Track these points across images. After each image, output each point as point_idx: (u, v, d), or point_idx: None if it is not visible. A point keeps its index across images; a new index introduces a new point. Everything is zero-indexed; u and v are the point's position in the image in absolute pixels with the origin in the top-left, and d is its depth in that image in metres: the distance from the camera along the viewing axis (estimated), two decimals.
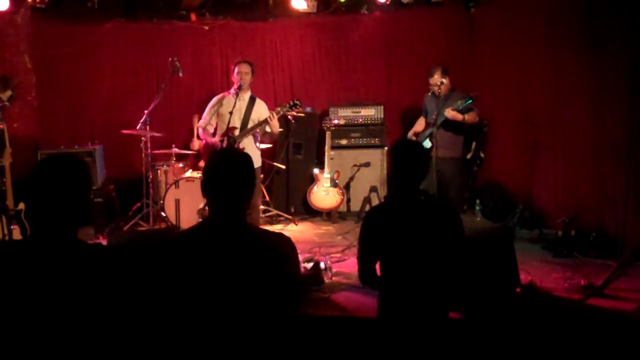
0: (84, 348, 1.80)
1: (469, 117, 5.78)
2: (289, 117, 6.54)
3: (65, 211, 1.87)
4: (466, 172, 6.87)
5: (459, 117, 5.72)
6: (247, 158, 2.17)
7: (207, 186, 2.11)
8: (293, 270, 2.15)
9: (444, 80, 5.90)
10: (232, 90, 5.48)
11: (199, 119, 5.81)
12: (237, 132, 5.38)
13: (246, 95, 5.50)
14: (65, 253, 1.84)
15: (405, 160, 2.83)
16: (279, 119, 5.53)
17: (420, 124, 6.30)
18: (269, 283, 2.00)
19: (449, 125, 5.81)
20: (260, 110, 5.54)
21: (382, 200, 6.85)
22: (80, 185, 1.92)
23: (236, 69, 5.47)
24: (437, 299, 2.74)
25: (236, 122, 5.40)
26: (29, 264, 1.80)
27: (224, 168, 2.10)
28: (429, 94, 6.11)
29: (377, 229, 2.82)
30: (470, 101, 5.66)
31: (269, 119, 5.35)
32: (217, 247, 2.01)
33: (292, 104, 5.60)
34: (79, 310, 1.80)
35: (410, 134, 6.29)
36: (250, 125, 5.43)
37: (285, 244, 2.11)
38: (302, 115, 6.88)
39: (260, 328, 1.98)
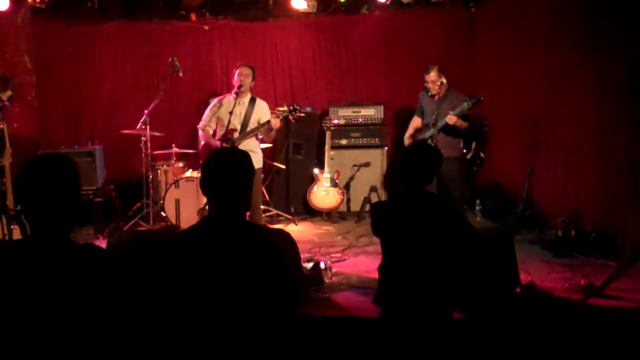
0: (77, 348, 1.80)
1: (465, 123, 5.78)
2: (289, 117, 6.54)
3: (55, 211, 1.86)
4: (466, 172, 6.87)
5: (463, 124, 5.72)
6: (244, 155, 2.16)
7: (206, 184, 2.11)
8: (294, 266, 2.14)
9: (443, 80, 5.84)
10: (233, 93, 5.49)
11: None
12: (236, 135, 5.39)
13: (245, 99, 5.50)
14: (56, 253, 1.84)
15: (419, 162, 2.87)
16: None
17: (416, 124, 6.24)
18: (270, 280, 2.00)
19: (449, 126, 5.79)
20: (261, 111, 5.53)
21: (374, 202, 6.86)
22: (69, 185, 1.90)
23: (237, 72, 5.48)
24: (439, 298, 2.75)
25: (236, 124, 5.40)
26: (20, 265, 1.80)
27: (222, 166, 2.10)
28: (424, 91, 6.10)
29: (383, 223, 2.86)
30: (476, 102, 5.61)
31: (272, 125, 5.34)
32: (218, 245, 2.01)
33: (292, 108, 5.63)
34: (69, 310, 1.79)
35: (408, 135, 6.24)
36: (250, 127, 5.44)
37: (285, 241, 2.11)
38: (302, 115, 6.87)
39: (261, 326, 1.98)
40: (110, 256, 1.98)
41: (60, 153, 3.79)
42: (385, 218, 2.88)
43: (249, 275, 1.98)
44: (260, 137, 5.57)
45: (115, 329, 1.87)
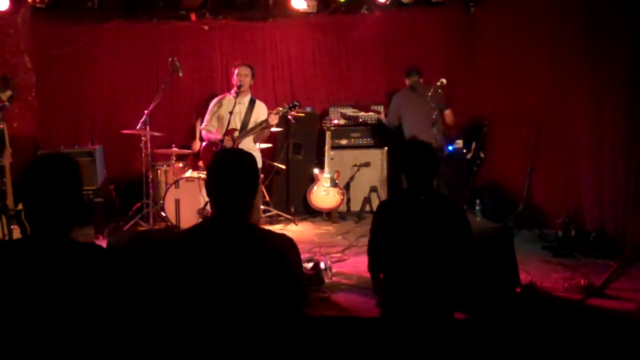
0: (78, 348, 1.80)
1: None
2: (289, 117, 6.55)
3: (57, 210, 1.87)
4: (466, 172, 6.88)
5: None
6: (251, 158, 2.17)
7: (211, 185, 2.12)
8: (295, 271, 2.14)
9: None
10: (232, 92, 5.49)
11: (201, 122, 5.86)
12: (236, 134, 5.39)
13: (246, 99, 5.50)
14: (58, 252, 1.84)
15: (416, 159, 2.86)
16: (279, 118, 5.54)
17: None
18: (271, 283, 2.00)
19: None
20: (260, 112, 5.54)
21: (382, 200, 6.86)
22: (71, 185, 1.92)
23: (236, 71, 5.47)
24: (442, 298, 2.74)
25: (237, 124, 5.42)
26: (21, 264, 1.81)
27: (228, 168, 2.10)
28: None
29: (388, 221, 2.85)
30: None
31: (270, 121, 5.37)
32: (219, 246, 2.01)
33: (291, 105, 5.63)
34: (71, 309, 1.79)
35: None
36: (249, 127, 5.44)
37: (287, 245, 2.11)
38: (302, 115, 6.88)
39: (261, 328, 1.98)
40: (112, 255, 1.99)
41: (62, 153, 3.79)
42: (392, 215, 2.87)
43: (250, 278, 1.98)
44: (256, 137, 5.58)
45: (117, 327, 1.88)
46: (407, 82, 6.58)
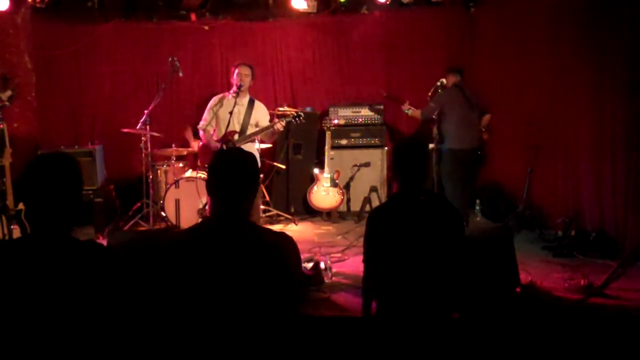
0: (79, 346, 1.81)
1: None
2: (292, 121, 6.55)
3: (58, 209, 1.88)
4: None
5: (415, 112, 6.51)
6: (252, 157, 2.18)
7: (211, 184, 2.12)
8: (295, 269, 2.15)
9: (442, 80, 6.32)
10: (232, 92, 5.48)
11: (191, 129, 5.87)
12: (236, 137, 5.37)
13: (245, 100, 5.49)
14: (58, 250, 1.85)
15: (407, 160, 2.82)
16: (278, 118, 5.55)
17: None
18: (271, 282, 2.00)
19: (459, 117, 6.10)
20: (259, 113, 5.53)
21: (383, 200, 6.86)
22: (72, 184, 1.93)
23: (236, 71, 5.45)
24: (440, 300, 2.73)
25: (235, 125, 5.40)
26: (22, 262, 1.81)
27: (229, 167, 2.11)
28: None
29: (380, 230, 2.81)
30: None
31: (276, 129, 5.37)
32: (219, 245, 2.02)
33: (295, 115, 5.63)
34: (72, 307, 1.80)
35: None
36: (249, 129, 5.44)
37: (287, 243, 2.12)
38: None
39: (261, 327, 1.98)
40: (112, 253, 2.00)
41: (63, 152, 3.79)
42: (387, 222, 2.83)
43: (250, 276, 1.98)
44: (259, 137, 5.57)
45: (118, 326, 1.88)
46: (452, 78, 6.31)
